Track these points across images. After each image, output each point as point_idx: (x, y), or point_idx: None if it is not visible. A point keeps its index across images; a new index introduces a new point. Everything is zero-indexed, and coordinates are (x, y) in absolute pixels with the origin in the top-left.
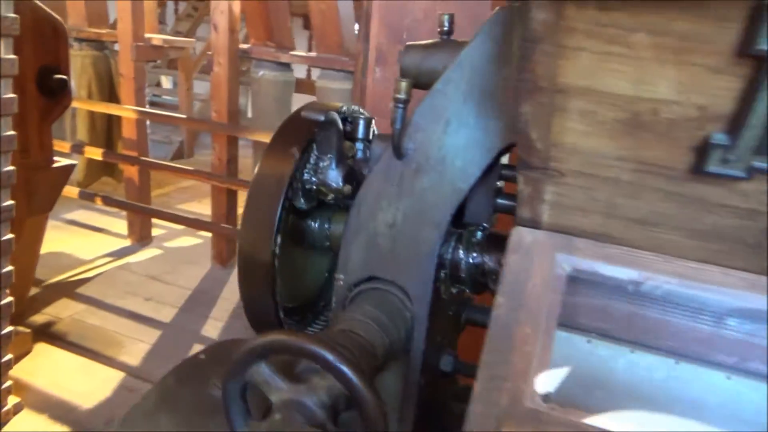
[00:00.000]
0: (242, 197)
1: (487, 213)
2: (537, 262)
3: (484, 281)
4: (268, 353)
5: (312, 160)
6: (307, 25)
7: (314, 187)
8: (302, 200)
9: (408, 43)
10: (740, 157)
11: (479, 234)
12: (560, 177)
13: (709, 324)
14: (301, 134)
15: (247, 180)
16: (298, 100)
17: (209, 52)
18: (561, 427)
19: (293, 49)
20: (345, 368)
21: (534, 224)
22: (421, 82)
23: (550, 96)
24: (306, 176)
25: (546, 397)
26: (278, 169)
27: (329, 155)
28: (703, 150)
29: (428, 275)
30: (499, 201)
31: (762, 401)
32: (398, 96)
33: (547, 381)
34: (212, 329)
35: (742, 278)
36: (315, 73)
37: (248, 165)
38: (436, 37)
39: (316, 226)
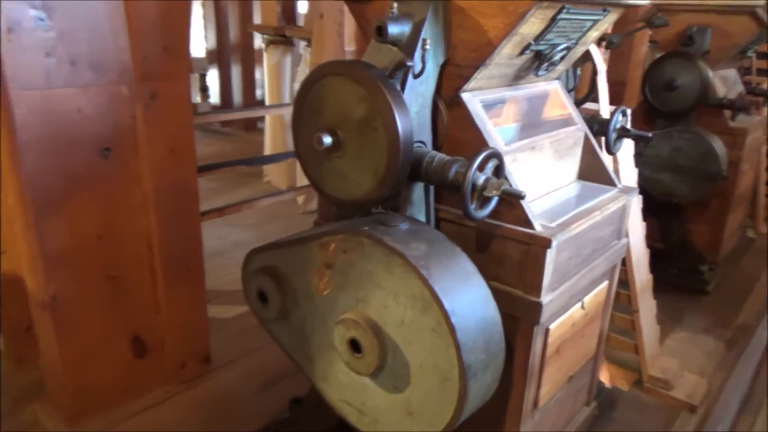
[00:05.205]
0: None
1: None
2: (476, 102)
3: None
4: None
5: None
6: None
7: None
8: None
9: (385, 20)
10: (531, 47)
11: None
12: (488, 66)
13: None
14: None
15: None
16: None
17: None
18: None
19: None
20: None
21: (464, 90)
22: (397, 41)
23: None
24: None
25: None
26: None
27: None
28: (526, 47)
29: (429, 122)
30: None
31: None
32: (427, 48)
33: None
34: None
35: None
36: None
37: None
38: None
39: None
